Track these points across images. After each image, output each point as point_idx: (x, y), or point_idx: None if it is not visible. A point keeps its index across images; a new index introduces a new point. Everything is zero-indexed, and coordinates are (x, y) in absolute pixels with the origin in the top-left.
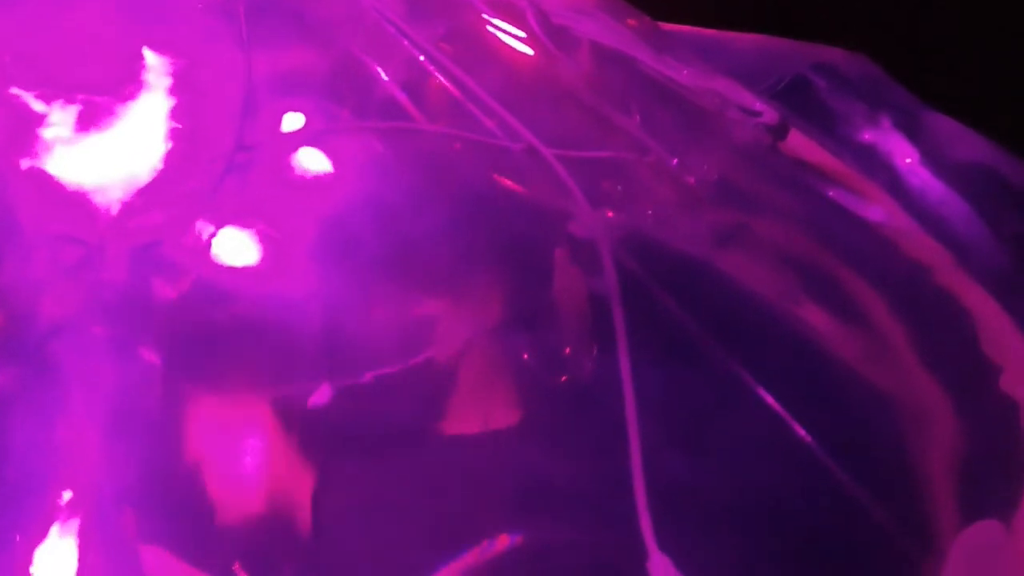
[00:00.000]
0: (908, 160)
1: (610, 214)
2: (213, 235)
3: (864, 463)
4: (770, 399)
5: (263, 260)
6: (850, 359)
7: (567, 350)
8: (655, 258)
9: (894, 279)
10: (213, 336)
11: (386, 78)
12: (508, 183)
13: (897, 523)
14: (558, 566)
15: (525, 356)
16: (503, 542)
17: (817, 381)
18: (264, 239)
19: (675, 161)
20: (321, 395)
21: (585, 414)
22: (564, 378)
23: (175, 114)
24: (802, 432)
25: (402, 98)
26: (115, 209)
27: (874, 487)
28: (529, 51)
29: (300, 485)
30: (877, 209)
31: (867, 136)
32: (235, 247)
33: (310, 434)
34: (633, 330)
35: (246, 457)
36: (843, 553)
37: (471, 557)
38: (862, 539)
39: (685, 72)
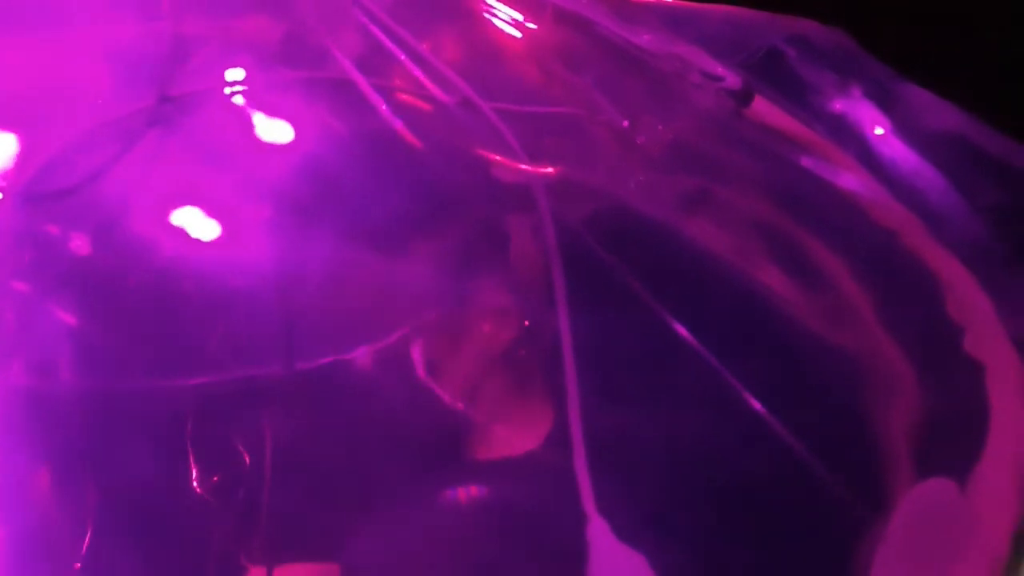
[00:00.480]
0: (880, 130)
1: (551, 169)
2: (133, 186)
3: (812, 420)
4: (709, 353)
5: (185, 216)
6: (807, 321)
7: (526, 323)
8: (600, 214)
9: (859, 244)
10: (126, 293)
11: (339, 47)
12: (443, 137)
13: (842, 480)
14: (496, 527)
15: (486, 328)
16: (445, 498)
17: (767, 340)
18: (186, 193)
19: (625, 122)
20: None
21: (525, 371)
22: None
23: (96, 64)
24: (737, 384)
25: (349, 66)
26: (27, 158)
27: (820, 444)
28: (489, 14)
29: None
30: (844, 175)
31: (838, 106)
32: (156, 201)
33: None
34: (571, 281)
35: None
36: (781, 507)
37: (409, 512)
38: (801, 494)
39: (646, 37)
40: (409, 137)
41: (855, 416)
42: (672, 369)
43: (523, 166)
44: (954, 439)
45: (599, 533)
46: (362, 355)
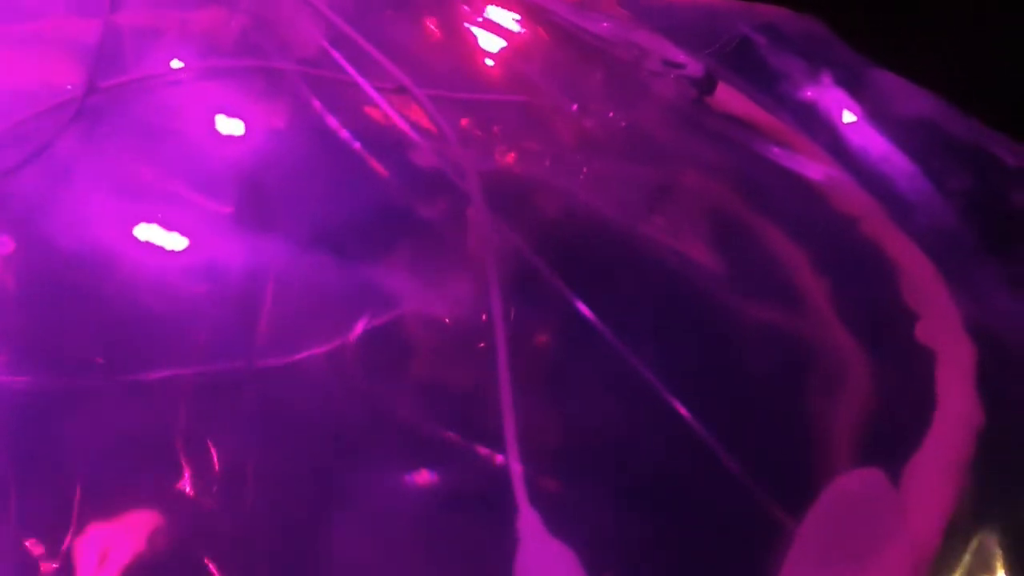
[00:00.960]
0: (850, 117)
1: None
2: (58, 179)
3: (739, 417)
4: (621, 343)
5: (114, 207)
6: (749, 312)
7: (483, 317)
8: (530, 203)
9: (818, 231)
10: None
11: (289, 41)
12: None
13: (763, 480)
14: (430, 517)
15: (447, 321)
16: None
17: (697, 329)
18: (118, 185)
19: (575, 107)
20: None
21: (459, 360)
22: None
23: (27, 57)
24: (650, 376)
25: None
26: None
27: (744, 441)
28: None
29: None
30: (807, 163)
31: (808, 94)
32: (82, 192)
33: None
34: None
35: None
36: (695, 502)
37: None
38: (715, 491)
39: (604, 25)
40: (343, 133)
41: (792, 410)
42: (589, 358)
43: (455, 153)
44: (897, 428)
45: (529, 525)
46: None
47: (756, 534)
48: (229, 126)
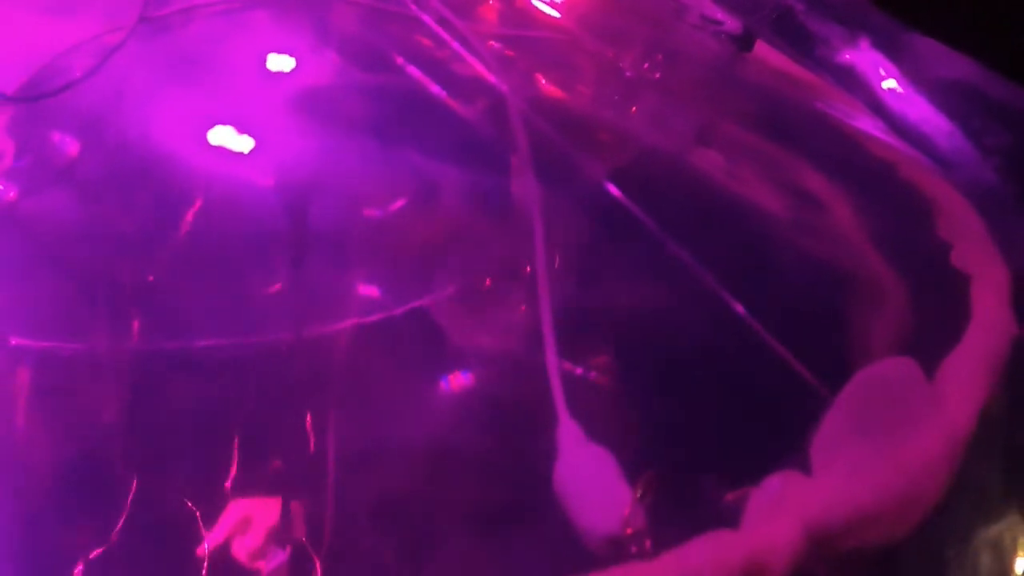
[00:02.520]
0: (889, 80)
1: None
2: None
3: (788, 311)
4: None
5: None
6: (790, 232)
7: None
8: (582, 125)
9: (856, 172)
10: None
11: None
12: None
13: (809, 361)
14: (472, 428)
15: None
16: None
17: (744, 235)
18: (162, 100)
19: (611, 53)
20: None
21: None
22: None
23: None
24: (694, 265)
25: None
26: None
27: (796, 329)
28: None
29: None
30: (846, 114)
31: (847, 57)
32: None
33: None
34: (546, 167)
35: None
36: (741, 380)
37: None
38: (759, 368)
39: None
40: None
41: (827, 314)
42: (640, 251)
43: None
44: (932, 335)
45: (569, 433)
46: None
47: (796, 414)
48: (276, 57)
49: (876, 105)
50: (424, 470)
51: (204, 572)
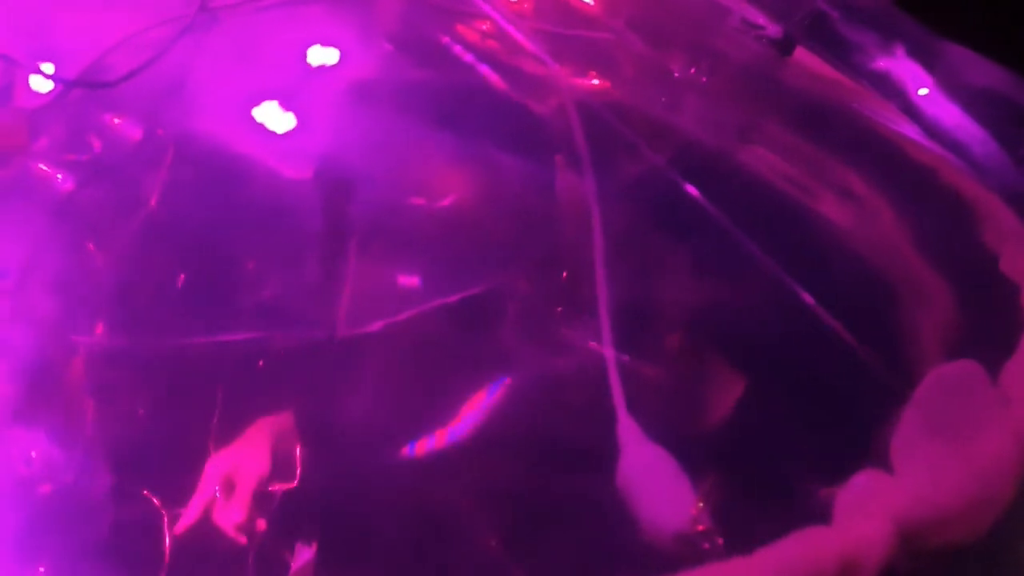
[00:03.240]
0: (922, 86)
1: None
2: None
3: (844, 306)
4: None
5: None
6: (847, 235)
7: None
8: (632, 120)
9: (898, 178)
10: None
11: None
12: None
13: (875, 357)
14: (526, 423)
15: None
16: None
17: (801, 229)
18: (219, 88)
19: (658, 54)
20: None
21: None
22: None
23: None
24: (763, 256)
25: None
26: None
27: (854, 321)
28: None
29: None
30: (885, 119)
31: (882, 64)
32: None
33: None
34: (601, 158)
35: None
36: (811, 371)
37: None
38: (830, 359)
39: None
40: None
41: (883, 310)
42: (706, 245)
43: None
44: (986, 342)
45: (628, 431)
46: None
47: (868, 403)
48: (329, 49)
49: (910, 111)
50: (477, 464)
51: None
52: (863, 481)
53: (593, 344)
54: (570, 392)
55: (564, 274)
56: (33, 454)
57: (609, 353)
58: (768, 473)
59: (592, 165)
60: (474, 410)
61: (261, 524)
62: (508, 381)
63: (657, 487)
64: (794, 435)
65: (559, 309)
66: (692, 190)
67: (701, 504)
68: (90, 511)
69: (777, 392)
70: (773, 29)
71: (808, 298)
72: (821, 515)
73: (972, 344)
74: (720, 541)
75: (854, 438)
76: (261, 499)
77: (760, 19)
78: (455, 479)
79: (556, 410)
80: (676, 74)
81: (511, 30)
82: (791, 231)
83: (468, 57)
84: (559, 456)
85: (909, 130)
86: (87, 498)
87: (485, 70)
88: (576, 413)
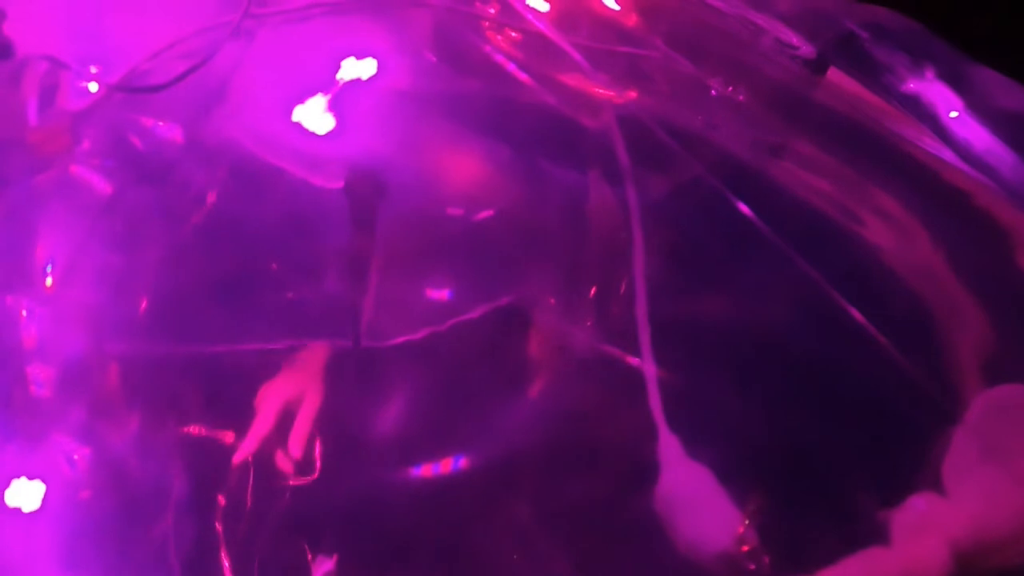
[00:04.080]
0: (953, 109)
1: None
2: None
3: (888, 320)
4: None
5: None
6: (887, 256)
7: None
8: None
9: (932, 202)
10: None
11: None
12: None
13: (922, 373)
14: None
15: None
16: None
17: (844, 244)
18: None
19: (695, 70)
20: None
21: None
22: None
23: None
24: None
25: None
26: (126, 57)
27: (898, 340)
28: None
29: None
30: (917, 142)
31: (912, 86)
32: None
33: None
34: (647, 170)
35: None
36: (859, 391)
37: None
38: (879, 379)
39: (724, 1)
40: (502, 60)
41: (925, 331)
42: (750, 260)
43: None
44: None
45: (669, 448)
46: None
47: (917, 424)
48: (371, 59)
49: (942, 134)
50: (505, 479)
51: None
52: (920, 503)
53: (633, 359)
54: (607, 408)
55: (596, 288)
56: (76, 456)
57: (649, 369)
58: (819, 493)
59: (633, 178)
60: (505, 424)
61: (287, 531)
62: (540, 395)
63: (698, 506)
64: (844, 454)
65: (588, 323)
66: (742, 205)
67: (747, 524)
68: (132, 515)
69: (825, 410)
70: (806, 49)
71: (858, 315)
72: (879, 537)
73: (1010, 366)
74: (767, 561)
75: (905, 459)
76: (289, 507)
77: (793, 39)
78: (481, 494)
79: (592, 426)
80: (713, 92)
81: (559, 40)
82: (833, 249)
83: (511, 67)
84: (595, 473)
85: (943, 152)
86: (129, 502)
87: (528, 81)
88: (614, 429)
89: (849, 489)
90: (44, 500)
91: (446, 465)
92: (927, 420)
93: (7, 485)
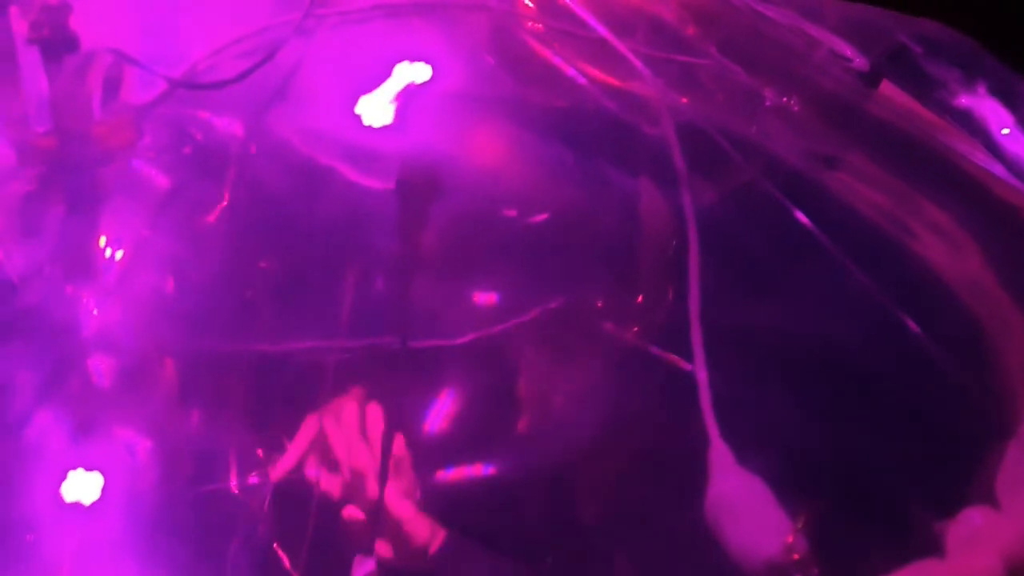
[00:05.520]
0: (1005, 125)
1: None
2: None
3: (941, 334)
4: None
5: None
6: (939, 269)
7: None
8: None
9: (982, 216)
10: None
11: None
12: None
13: (976, 387)
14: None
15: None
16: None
17: (895, 254)
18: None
19: (750, 80)
20: None
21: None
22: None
23: None
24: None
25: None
26: (187, 53)
27: (952, 354)
28: None
29: None
30: (968, 156)
31: (964, 101)
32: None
33: None
34: (703, 177)
35: None
36: (915, 406)
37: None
38: (938, 397)
39: (778, 12)
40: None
41: (977, 345)
42: (805, 269)
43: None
44: None
45: (720, 456)
46: None
47: (973, 444)
48: (427, 63)
49: (992, 149)
50: (556, 481)
51: None
52: (974, 516)
53: (685, 365)
54: (659, 413)
55: (648, 293)
56: (137, 448)
57: (702, 375)
58: (872, 504)
59: (689, 184)
60: (556, 426)
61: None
62: (592, 399)
63: (748, 514)
64: (897, 466)
65: (640, 327)
66: (799, 214)
67: (797, 533)
68: (190, 506)
69: (878, 421)
70: (860, 61)
71: (914, 327)
72: (933, 549)
73: None
74: (816, 572)
75: (958, 472)
76: (339, 503)
77: (847, 51)
78: (529, 495)
79: (644, 430)
80: (768, 101)
81: (619, 45)
82: (886, 261)
83: (569, 71)
84: (646, 478)
85: (994, 167)
86: (186, 494)
87: (587, 85)
88: (666, 435)
89: (902, 501)
90: (104, 491)
91: (494, 467)
92: (981, 433)
93: (65, 476)
